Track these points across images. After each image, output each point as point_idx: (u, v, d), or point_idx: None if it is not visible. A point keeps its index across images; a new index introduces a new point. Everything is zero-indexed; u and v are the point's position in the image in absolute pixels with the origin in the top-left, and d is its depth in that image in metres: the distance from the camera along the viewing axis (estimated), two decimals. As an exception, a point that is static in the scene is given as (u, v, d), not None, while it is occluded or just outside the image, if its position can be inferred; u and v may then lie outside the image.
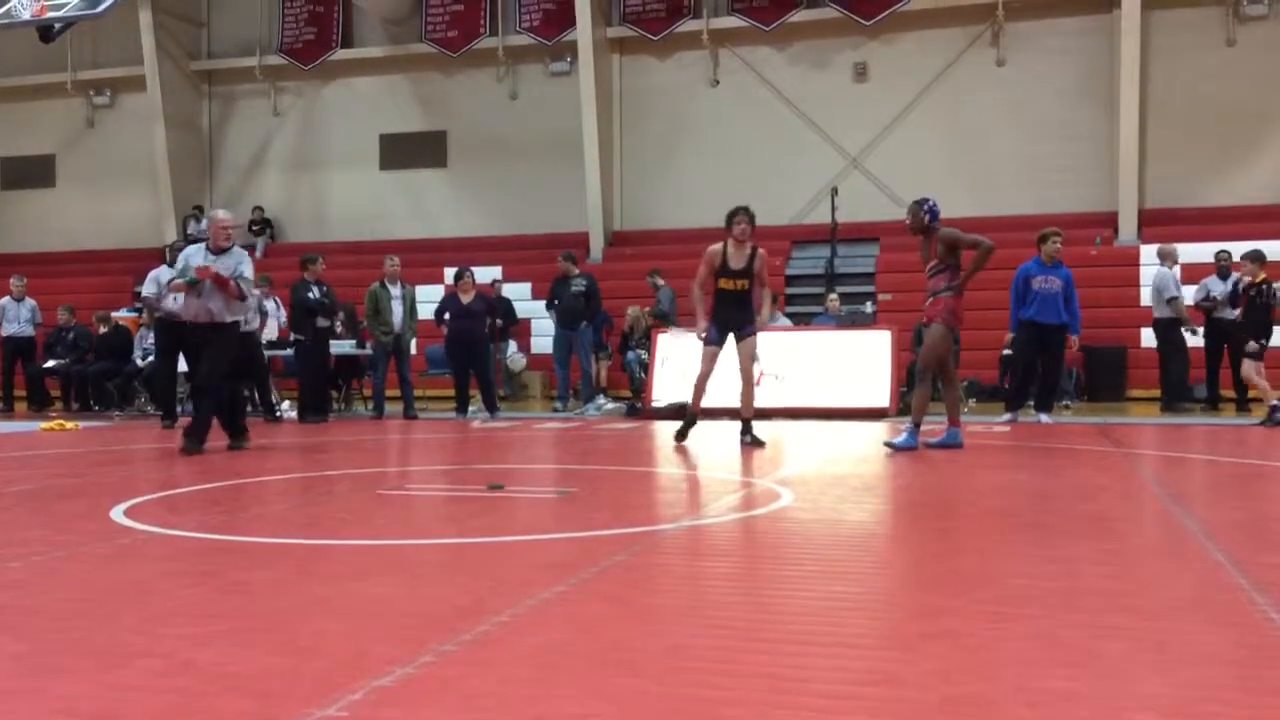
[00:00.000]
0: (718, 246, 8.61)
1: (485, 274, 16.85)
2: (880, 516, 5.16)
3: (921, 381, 8.38)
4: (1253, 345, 10.80)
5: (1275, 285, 11.04)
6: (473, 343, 13.29)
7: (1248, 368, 10.96)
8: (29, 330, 15.96)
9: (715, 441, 9.31)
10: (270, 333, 13.53)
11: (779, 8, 18.90)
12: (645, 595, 3.40)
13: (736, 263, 8.52)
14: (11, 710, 2.32)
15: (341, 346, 13.97)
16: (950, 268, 8.21)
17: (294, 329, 13.22)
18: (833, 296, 15.53)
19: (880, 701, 2.32)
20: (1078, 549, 4.06)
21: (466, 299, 13.37)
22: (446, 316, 13.39)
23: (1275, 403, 10.61)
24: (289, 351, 13.65)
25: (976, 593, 3.37)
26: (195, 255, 8.48)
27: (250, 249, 21.07)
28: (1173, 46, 17.48)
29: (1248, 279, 11.21)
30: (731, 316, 8.61)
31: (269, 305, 13.65)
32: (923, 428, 8.24)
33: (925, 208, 8.30)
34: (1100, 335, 14.78)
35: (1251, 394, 12.11)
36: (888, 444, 8.22)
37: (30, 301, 16.10)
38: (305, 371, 13.19)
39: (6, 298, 16.02)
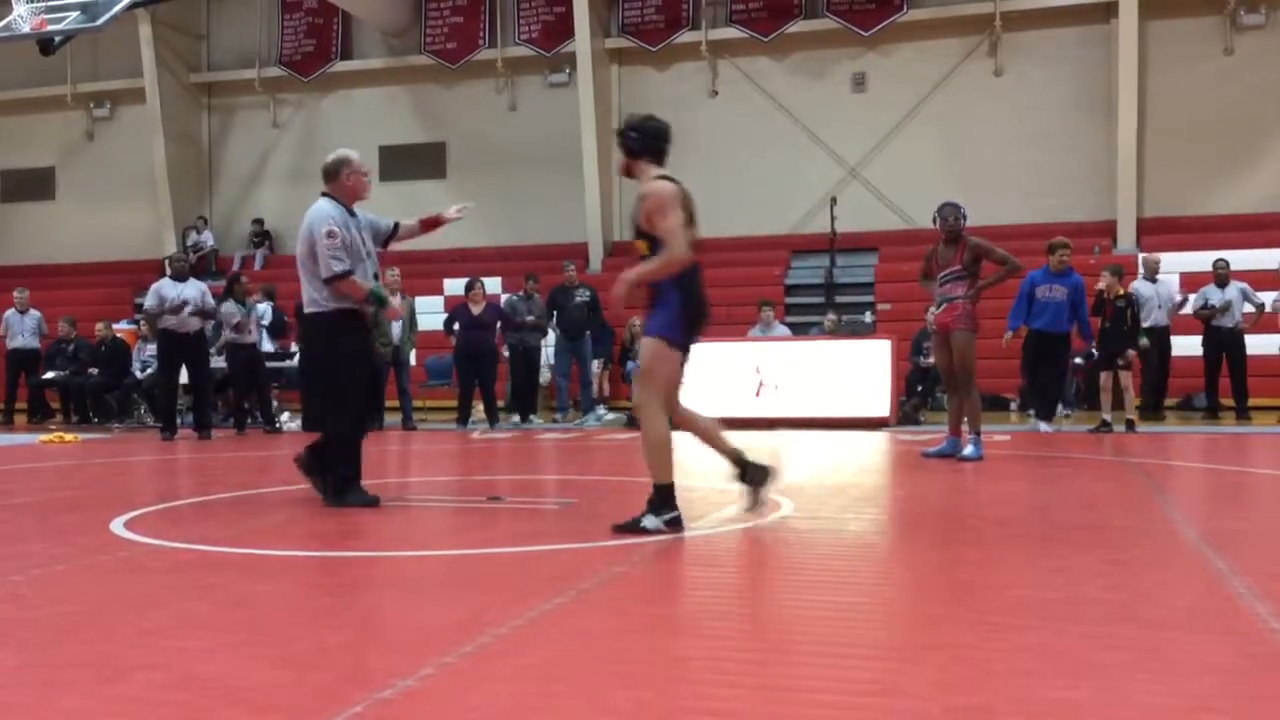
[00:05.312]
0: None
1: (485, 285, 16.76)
2: (880, 526, 5.15)
3: (966, 390, 8.19)
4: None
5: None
6: (482, 353, 13.29)
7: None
8: (34, 343, 15.85)
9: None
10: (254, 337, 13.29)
11: (777, 18, 18.93)
12: (645, 606, 3.40)
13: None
14: (12, 724, 2.32)
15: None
16: (970, 275, 8.20)
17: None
18: (829, 316, 15.25)
19: (882, 712, 2.32)
20: (1078, 559, 4.06)
21: (477, 310, 13.38)
22: (456, 327, 13.40)
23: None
24: (290, 363, 13.62)
25: (977, 603, 3.37)
26: (342, 217, 5.77)
27: (250, 260, 21.24)
28: (1171, 56, 17.50)
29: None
30: None
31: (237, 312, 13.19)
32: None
33: (962, 211, 8.30)
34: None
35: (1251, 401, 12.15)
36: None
37: (35, 313, 15.96)
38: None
39: (10, 310, 15.87)
